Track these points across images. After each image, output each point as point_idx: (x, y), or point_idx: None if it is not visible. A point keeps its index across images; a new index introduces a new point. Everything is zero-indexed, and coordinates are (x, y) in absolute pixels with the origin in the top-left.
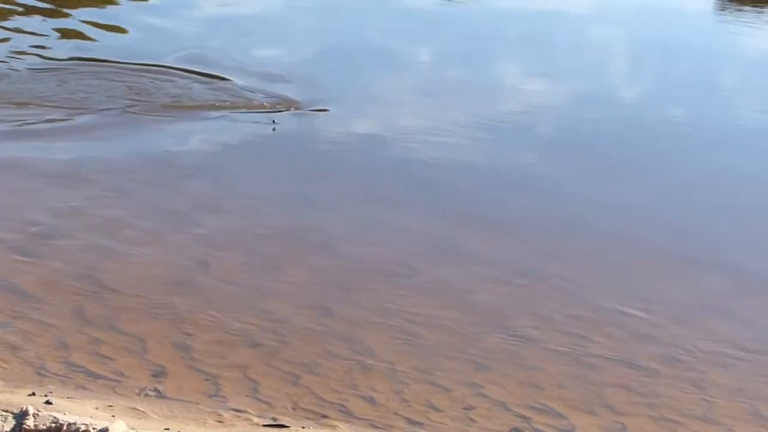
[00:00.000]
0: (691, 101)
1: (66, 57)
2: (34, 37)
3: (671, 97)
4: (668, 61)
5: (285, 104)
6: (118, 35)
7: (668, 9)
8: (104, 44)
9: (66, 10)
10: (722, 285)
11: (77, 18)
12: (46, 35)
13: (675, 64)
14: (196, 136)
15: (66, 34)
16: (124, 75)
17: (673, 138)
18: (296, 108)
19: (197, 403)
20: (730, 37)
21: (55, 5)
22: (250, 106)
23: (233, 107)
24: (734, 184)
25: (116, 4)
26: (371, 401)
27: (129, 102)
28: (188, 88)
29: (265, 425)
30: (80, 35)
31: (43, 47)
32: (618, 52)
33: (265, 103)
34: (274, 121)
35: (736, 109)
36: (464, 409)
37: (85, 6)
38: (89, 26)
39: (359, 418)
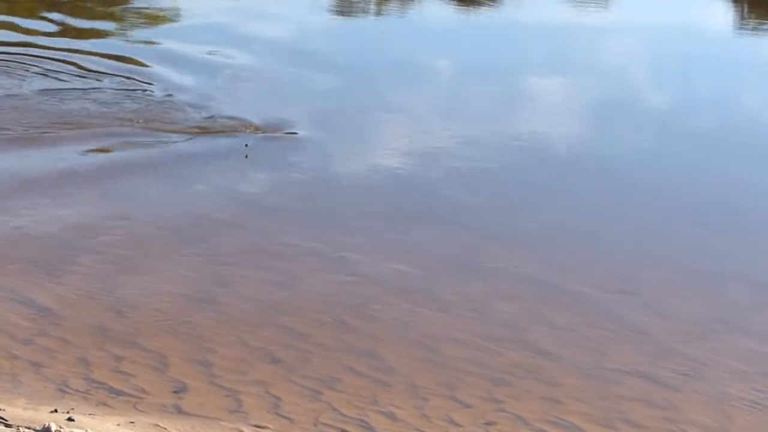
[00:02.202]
0: (713, 116)
1: None
2: None
3: (693, 112)
4: (690, 75)
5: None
6: None
7: (689, 24)
8: None
9: None
10: (743, 299)
11: None
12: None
13: (697, 78)
14: (200, 156)
15: None
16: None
17: (694, 152)
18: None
19: (218, 419)
20: (751, 51)
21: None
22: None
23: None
24: (755, 199)
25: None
26: (392, 417)
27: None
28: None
29: None
30: None
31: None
32: (639, 66)
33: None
34: (246, 145)
35: (758, 124)
36: (485, 424)
37: None
38: None
39: None
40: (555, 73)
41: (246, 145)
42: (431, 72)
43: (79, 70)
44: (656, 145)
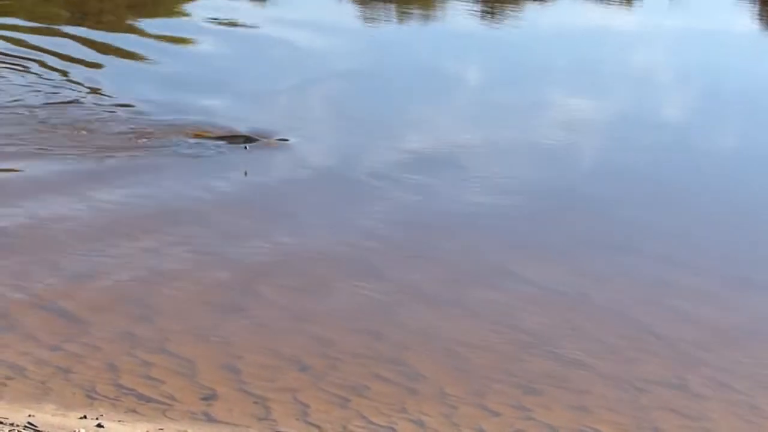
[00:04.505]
0: (740, 124)
1: None
2: None
3: (720, 120)
4: (716, 82)
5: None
6: None
7: (715, 31)
8: None
9: None
10: None
11: None
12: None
13: (723, 86)
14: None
15: None
16: None
17: (722, 161)
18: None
19: (247, 427)
20: None
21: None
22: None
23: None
24: None
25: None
26: (420, 424)
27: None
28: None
29: None
30: None
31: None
32: (664, 73)
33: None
34: (245, 147)
35: None
36: None
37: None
38: None
39: None
40: (582, 79)
41: (245, 148)
42: (456, 79)
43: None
44: (687, 153)
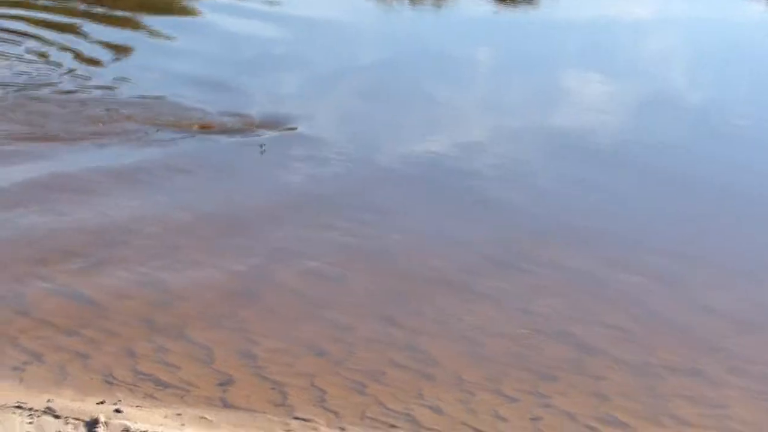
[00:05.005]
0: (756, 111)
1: None
2: None
3: (736, 107)
4: (731, 70)
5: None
6: None
7: (729, 19)
8: None
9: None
10: None
11: None
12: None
13: (738, 73)
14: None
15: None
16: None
17: (741, 148)
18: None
19: (264, 412)
20: None
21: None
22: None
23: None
24: None
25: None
26: (437, 411)
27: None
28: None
29: None
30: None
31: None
32: (680, 61)
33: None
34: (261, 145)
35: None
36: (531, 419)
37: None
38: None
39: (426, 428)
40: (596, 67)
41: (261, 146)
42: (471, 67)
43: None
44: (702, 141)
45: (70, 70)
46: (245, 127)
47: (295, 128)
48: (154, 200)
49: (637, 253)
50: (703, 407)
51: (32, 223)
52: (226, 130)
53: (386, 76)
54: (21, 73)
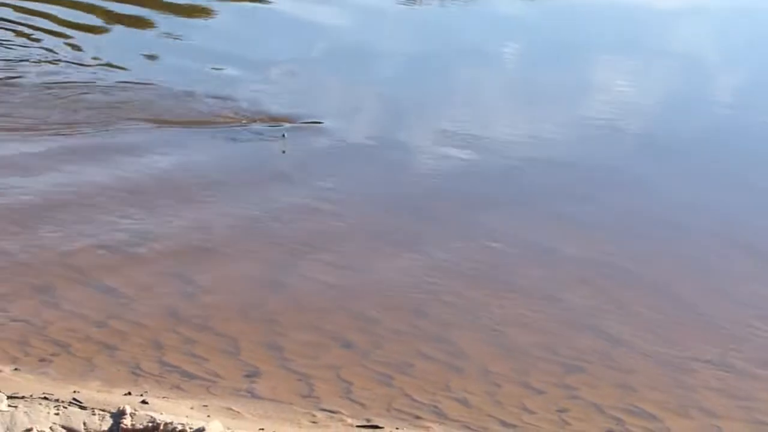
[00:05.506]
0: None
1: None
2: None
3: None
4: (764, 62)
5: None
6: None
7: (763, 9)
8: None
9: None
10: None
11: None
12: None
13: None
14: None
15: None
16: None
17: None
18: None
19: (291, 404)
20: None
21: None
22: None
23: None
24: None
25: None
26: (464, 403)
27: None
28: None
29: (359, 426)
30: None
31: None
32: (711, 52)
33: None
34: (283, 135)
35: None
36: (558, 411)
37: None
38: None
39: (453, 420)
40: (628, 57)
41: (283, 135)
42: (501, 58)
43: None
44: (734, 133)
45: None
46: None
47: None
48: None
49: (668, 245)
50: (731, 399)
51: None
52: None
53: (405, 68)
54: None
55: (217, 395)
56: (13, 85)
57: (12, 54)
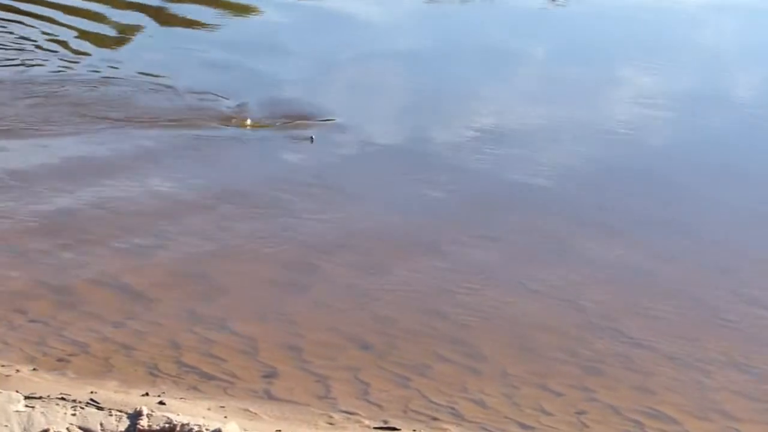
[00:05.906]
0: None
1: None
2: None
3: None
4: None
5: None
6: None
7: None
8: None
9: None
10: None
11: None
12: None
13: None
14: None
15: None
16: None
17: None
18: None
19: (308, 405)
20: None
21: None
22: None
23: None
24: None
25: None
26: (482, 404)
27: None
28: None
29: (376, 427)
30: None
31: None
32: (732, 52)
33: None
34: (312, 138)
35: None
36: (576, 413)
37: None
38: None
39: (470, 421)
40: (648, 56)
41: (311, 139)
42: (521, 56)
43: None
44: (757, 133)
45: None
46: None
47: None
48: None
49: (688, 246)
50: (751, 402)
51: None
52: None
53: (427, 64)
54: None
55: (235, 396)
56: None
57: None
